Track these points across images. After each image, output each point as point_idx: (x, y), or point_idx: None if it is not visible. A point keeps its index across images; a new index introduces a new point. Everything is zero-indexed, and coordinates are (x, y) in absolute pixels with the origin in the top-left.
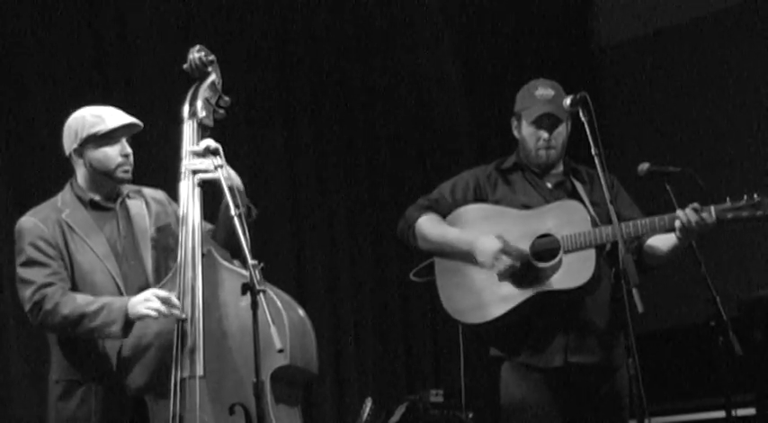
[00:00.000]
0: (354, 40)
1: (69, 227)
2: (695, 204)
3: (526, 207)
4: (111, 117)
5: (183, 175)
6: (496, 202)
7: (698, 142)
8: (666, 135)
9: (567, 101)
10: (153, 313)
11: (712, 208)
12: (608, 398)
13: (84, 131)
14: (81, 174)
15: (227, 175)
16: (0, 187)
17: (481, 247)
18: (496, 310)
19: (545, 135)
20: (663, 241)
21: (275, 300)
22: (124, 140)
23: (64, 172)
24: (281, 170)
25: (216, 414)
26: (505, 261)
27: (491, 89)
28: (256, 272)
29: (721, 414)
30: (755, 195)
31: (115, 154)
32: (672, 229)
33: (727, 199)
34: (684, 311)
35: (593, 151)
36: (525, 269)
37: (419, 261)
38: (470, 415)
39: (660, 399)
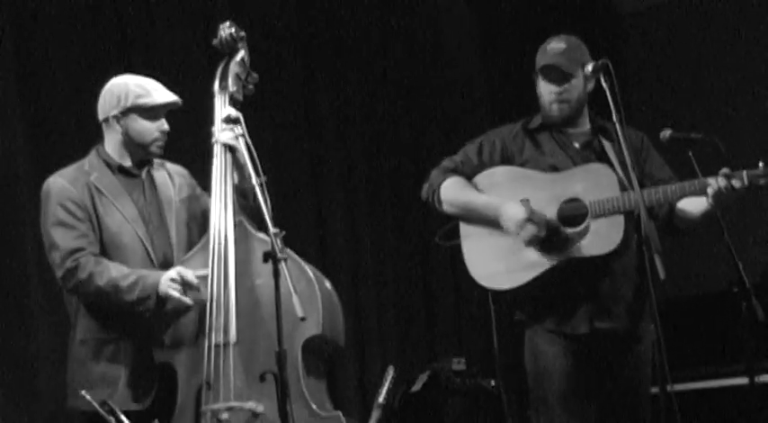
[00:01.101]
0: (374, 8)
1: (98, 190)
2: (726, 169)
3: (554, 168)
4: (157, 92)
5: (215, 146)
6: (523, 164)
7: (720, 109)
8: (688, 102)
9: (589, 67)
10: (175, 294)
11: (744, 173)
12: (633, 365)
13: (128, 100)
14: (113, 140)
15: (247, 144)
16: (25, 164)
17: (507, 214)
18: (524, 277)
19: (554, 88)
20: (694, 205)
21: (307, 270)
22: (163, 117)
23: (86, 142)
24: (300, 141)
25: (247, 381)
26: (530, 229)
27: (510, 56)
28: (278, 240)
29: (744, 380)
30: None
31: (154, 129)
32: (703, 194)
33: (760, 164)
34: (707, 278)
35: (614, 118)
36: (552, 235)
37: (441, 227)
38: (492, 382)
39: (682, 365)
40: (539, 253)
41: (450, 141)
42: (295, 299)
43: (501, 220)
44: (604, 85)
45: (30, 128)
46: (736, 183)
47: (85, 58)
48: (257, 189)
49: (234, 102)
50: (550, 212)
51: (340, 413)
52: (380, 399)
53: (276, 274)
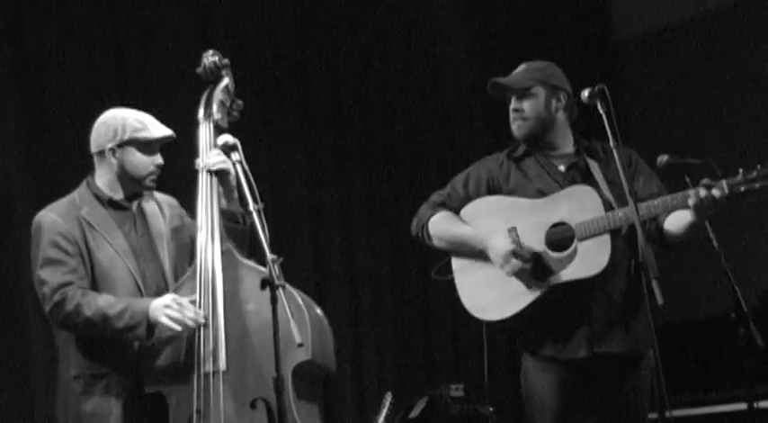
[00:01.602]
0: (373, 38)
1: (89, 224)
2: (706, 180)
3: (541, 193)
4: (154, 126)
5: (199, 174)
6: (511, 192)
7: (717, 134)
8: (685, 127)
9: (586, 93)
10: (172, 324)
11: (724, 182)
12: (631, 389)
13: (126, 134)
14: (106, 173)
15: (244, 171)
16: (23, 185)
17: (492, 247)
18: (517, 305)
19: (511, 105)
20: (680, 219)
21: (296, 296)
22: (158, 151)
23: (82, 166)
24: (298, 165)
25: (238, 409)
26: (515, 264)
27: None
28: (275, 267)
29: (743, 406)
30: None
31: (150, 162)
32: (686, 207)
33: (740, 171)
34: (705, 303)
35: (611, 143)
36: (540, 263)
37: (438, 255)
38: (491, 409)
39: (681, 390)
40: (529, 280)
41: (447, 172)
42: (293, 325)
43: (488, 252)
44: (601, 110)
45: (26, 149)
46: (716, 192)
47: (82, 84)
48: (254, 215)
49: (219, 129)
50: (538, 238)
51: None
52: None
53: (274, 300)
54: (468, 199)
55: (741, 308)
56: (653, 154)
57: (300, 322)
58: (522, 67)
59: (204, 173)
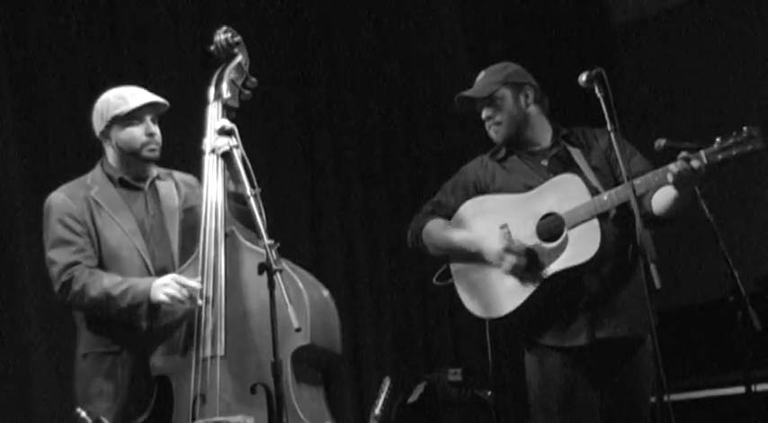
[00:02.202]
0: (369, 33)
1: (97, 203)
2: (684, 153)
3: (528, 187)
4: (133, 97)
5: (206, 156)
6: (498, 191)
7: (714, 118)
8: (683, 111)
9: (583, 77)
10: (168, 300)
11: (702, 152)
12: (632, 373)
13: (108, 113)
14: (111, 154)
15: (241, 156)
16: (17, 170)
17: (486, 248)
18: (517, 300)
19: (482, 115)
20: (665, 195)
21: (296, 280)
22: (149, 120)
23: (80, 152)
24: (298, 157)
25: (237, 393)
26: (510, 260)
27: None
28: (272, 251)
29: (741, 389)
30: (745, 129)
31: (140, 133)
32: (668, 182)
33: (717, 139)
34: (703, 287)
35: (608, 127)
36: (534, 256)
37: (437, 261)
38: (489, 393)
39: (679, 375)
40: (526, 274)
41: (446, 168)
42: (290, 310)
43: (482, 254)
44: (599, 94)
45: (23, 141)
46: (695, 163)
47: (79, 72)
48: (251, 200)
49: (228, 109)
50: (530, 231)
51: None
52: (377, 410)
53: (271, 285)
54: (457, 204)
55: (739, 292)
56: (650, 138)
57: (299, 306)
58: (480, 75)
59: (211, 155)
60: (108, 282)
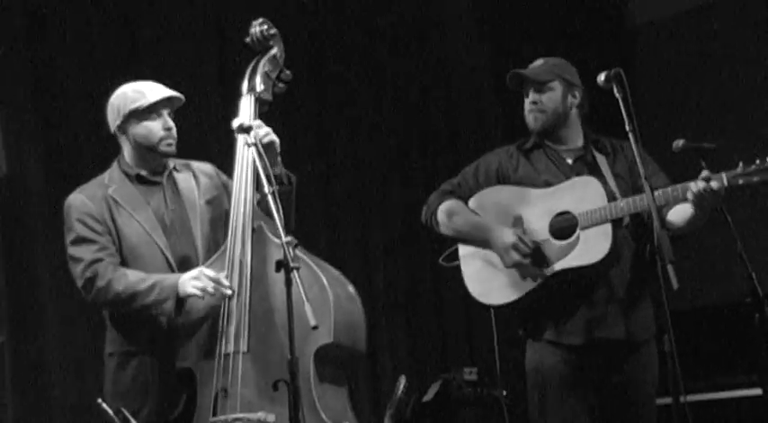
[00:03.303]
0: (385, 27)
1: (115, 202)
2: (705, 173)
3: (548, 184)
4: (151, 91)
5: (239, 149)
6: (519, 182)
7: (733, 119)
8: (701, 112)
9: (602, 77)
10: (199, 293)
11: (723, 175)
12: (633, 374)
13: (125, 108)
14: (127, 150)
15: (259, 153)
16: (37, 170)
17: (496, 239)
18: (519, 291)
19: (529, 98)
20: (683, 211)
21: (321, 276)
22: (166, 114)
23: (99, 149)
24: (312, 152)
25: (260, 389)
26: (514, 256)
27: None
28: (290, 249)
29: (758, 391)
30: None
31: (158, 128)
32: (686, 199)
33: (740, 164)
34: (720, 288)
35: (627, 127)
36: (542, 253)
37: (448, 242)
38: (504, 393)
39: (696, 376)
40: (532, 267)
41: (461, 160)
42: (307, 307)
43: (492, 243)
44: (617, 94)
45: (42, 142)
46: (715, 184)
47: (99, 73)
48: (269, 198)
49: (261, 102)
50: (543, 226)
51: None
52: (392, 408)
53: (288, 282)
54: (478, 188)
55: (757, 293)
56: (668, 139)
57: (323, 303)
58: (540, 61)
59: (244, 148)
60: (133, 277)
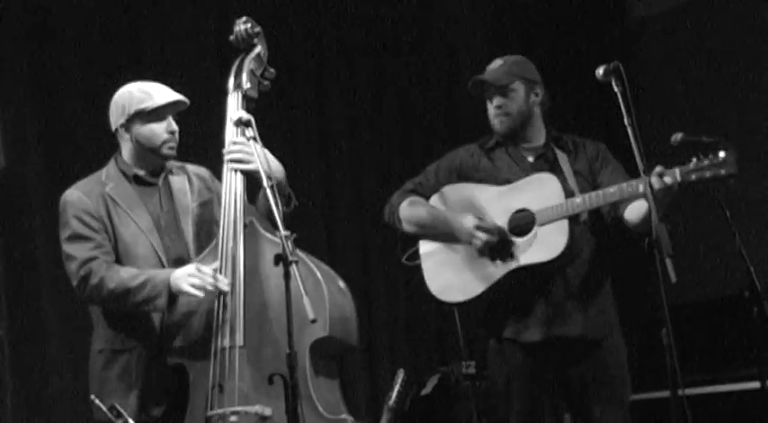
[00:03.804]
0: (386, 21)
1: (113, 200)
2: (659, 168)
3: (508, 182)
4: (158, 93)
5: (226, 146)
6: (480, 181)
7: (732, 112)
8: (700, 105)
9: (601, 71)
10: (194, 291)
11: (677, 170)
12: (596, 371)
13: (131, 107)
14: (127, 149)
15: (260, 150)
16: (36, 163)
17: (459, 224)
18: (478, 288)
19: (492, 102)
20: (639, 208)
21: (315, 271)
22: (170, 117)
23: (98, 144)
24: (311, 146)
25: (255, 383)
26: (482, 236)
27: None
28: (289, 243)
29: (756, 384)
30: (720, 154)
31: (162, 131)
32: (641, 194)
33: (693, 159)
34: (718, 282)
35: (625, 121)
36: (503, 245)
37: (410, 242)
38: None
39: (694, 369)
40: (492, 264)
41: (458, 141)
42: (306, 301)
43: (454, 231)
44: (616, 88)
45: (42, 136)
46: (668, 180)
47: (98, 68)
48: (268, 192)
49: (248, 99)
50: (502, 223)
51: (346, 416)
52: (391, 402)
53: (287, 276)
54: (438, 186)
55: (755, 287)
56: (668, 132)
57: (318, 298)
58: (498, 62)
59: (230, 147)
60: (125, 274)
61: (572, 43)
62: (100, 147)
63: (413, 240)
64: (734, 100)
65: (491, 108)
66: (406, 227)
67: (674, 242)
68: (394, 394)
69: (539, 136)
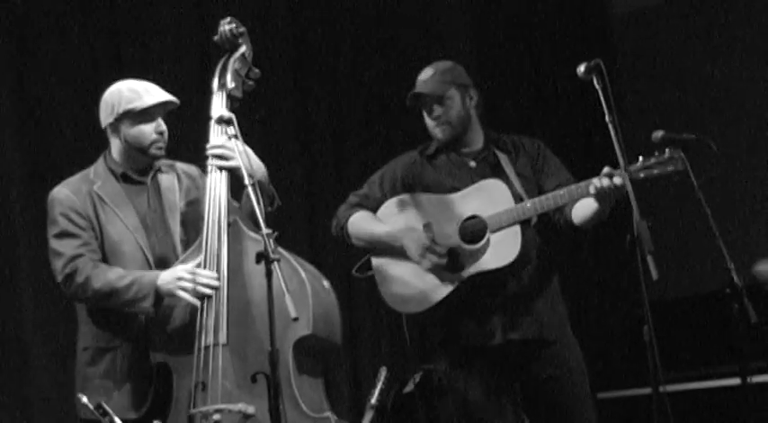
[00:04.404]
0: (372, 21)
1: (100, 198)
2: (607, 169)
3: (455, 189)
4: (148, 93)
5: (209, 148)
6: (425, 189)
7: (713, 109)
8: (681, 102)
9: (582, 68)
10: (184, 294)
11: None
12: (556, 367)
13: (120, 107)
14: (116, 147)
15: (241, 148)
16: (17, 162)
17: (408, 243)
18: (435, 297)
19: (432, 113)
20: (585, 207)
21: (299, 270)
22: (159, 118)
23: (81, 144)
24: (293, 142)
25: (238, 382)
26: (431, 258)
27: (504, 59)
28: (270, 241)
29: (736, 381)
30: (667, 151)
31: (150, 131)
32: (590, 195)
33: (639, 158)
34: (699, 279)
35: (606, 118)
36: (455, 256)
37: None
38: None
39: (675, 366)
40: (447, 272)
41: None
42: (288, 299)
43: (403, 251)
44: (597, 85)
45: (23, 135)
46: (617, 180)
47: (79, 65)
48: (249, 190)
49: (232, 99)
50: (452, 232)
51: (329, 414)
52: (373, 399)
53: (269, 274)
54: (384, 198)
55: (735, 284)
56: (648, 129)
57: (302, 296)
58: (429, 71)
59: (218, 141)
60: (112, 274)
61: (552, 40)
62: (82, 144)
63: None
64: (714, 96)
65: (429, 119)
66: (355, 241)
67: (655, 239)
68: (376, 392)
69: (477, 139)
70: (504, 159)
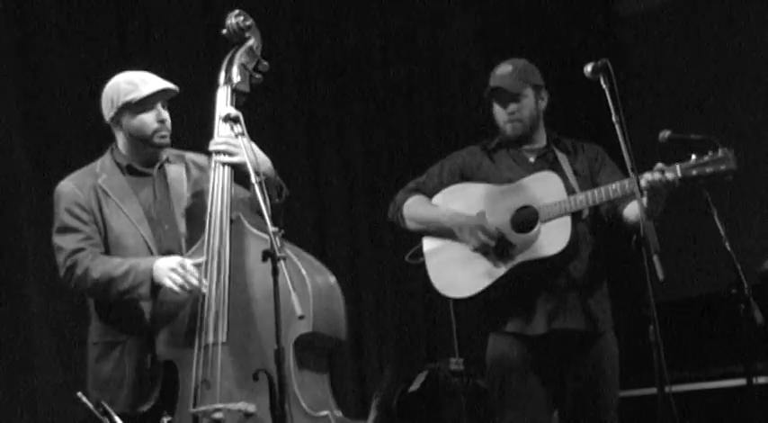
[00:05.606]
0: (377, 17)
1: (104, 192)
2: (660, 164)
3: (510, 182)
4: (144, 83)
5: (213, 144)
6: (482, 180)
7: (719, 109)
8: (688, 103)
9: (589, 68)
10: (175, 287)
11: (677, 166)
12: (594, 363)
13: (118, 100)
14: (121, 140)
15: (248, 146)
16: (20, 155)
17: (461, 228)
18: (483, 283)
19: (505, 109)
20: (636, 206)
21: (300, 267)
22: (160, 106)
23: (86, 140)
24: (300, 141)
25: (239, 380)
26: (481, 237)
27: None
28: (277, 239)
29: (742, 382)
30: (720, 150)
31: (151, 120)
32: (642, 189)
33: (692, 155)
34: (706, 280)
35: (613, 119)
36: (505, 242)
37: (414, 240)
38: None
39: (681, 366)
40: (497, 259)
41: (448, 145)
42: (294, 297)
43: (455, 230)
44: (604, 85)
45: (28, 129)
46: (669, 175)
47: (85, 59)
48: (256, 188)
49: (238, 94)
50: (505, 220)
51: (329, 413)
52: (378, 398)
53: (275, 272)
54: (442, 185)
55: (742, 285)
56: (655, 130)
57: (302, 293)
58: (508, 68)
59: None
60: (110, 263)
61: (560, 40)
62: (87, 138)
63: (416, 238)
64: (721, 96)
65: (503, 113)
66: (410, 224)
67: (661, 239)
68: (382, 391)
69: (540, 138)
70: (562, 158)
